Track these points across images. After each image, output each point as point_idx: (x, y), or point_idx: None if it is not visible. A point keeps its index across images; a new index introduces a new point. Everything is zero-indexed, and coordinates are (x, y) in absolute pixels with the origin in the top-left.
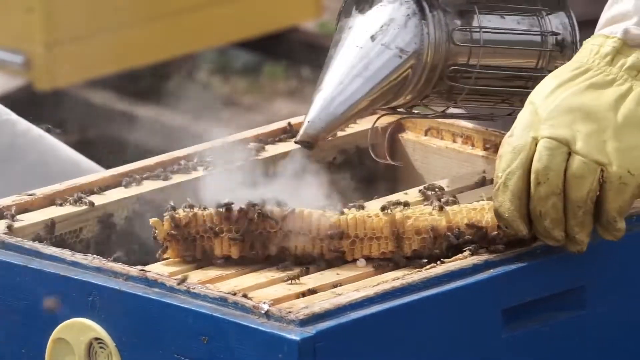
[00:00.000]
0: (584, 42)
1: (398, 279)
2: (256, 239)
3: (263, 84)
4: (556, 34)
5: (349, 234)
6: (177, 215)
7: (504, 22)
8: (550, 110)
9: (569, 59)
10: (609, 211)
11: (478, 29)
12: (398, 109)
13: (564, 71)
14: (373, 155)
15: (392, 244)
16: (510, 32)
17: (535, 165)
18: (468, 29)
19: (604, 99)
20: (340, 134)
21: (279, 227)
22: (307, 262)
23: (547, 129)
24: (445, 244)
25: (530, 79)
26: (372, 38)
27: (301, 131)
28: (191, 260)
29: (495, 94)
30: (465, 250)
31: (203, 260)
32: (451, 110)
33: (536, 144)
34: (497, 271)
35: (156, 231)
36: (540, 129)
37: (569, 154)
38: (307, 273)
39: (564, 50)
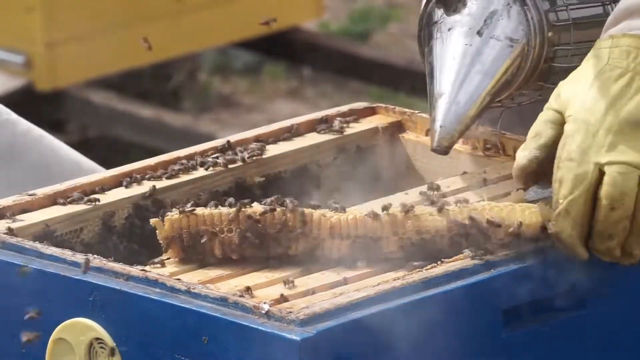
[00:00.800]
0: (613, 40)
1: (398, 279)
2: (258, 240)
3: (264, 83)
4: (616, 2)
5: (349, 234)
6: (177, 216)
7: None
8: (614, 133)
9: None
10: None
11: (565, 7)
12: (502, 101)
13: (607, 82)
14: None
15: (394, 244)
16: (586, 6)
17: (608, 190)
18: (557, 9)
19: None
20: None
21: (280, 227)
22: (307, 263)
23: (617, 154)
24: (447, 243)
25: None
26: (479, 33)
27: (436, 137)
28: (192, 261)
29: None
30: (465, 251)
31: (204, 260)
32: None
33: (599, 170)
34: (497, 271)
35: (157, 231)
36: (605, 154)
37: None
38: (307, 273)
39: None
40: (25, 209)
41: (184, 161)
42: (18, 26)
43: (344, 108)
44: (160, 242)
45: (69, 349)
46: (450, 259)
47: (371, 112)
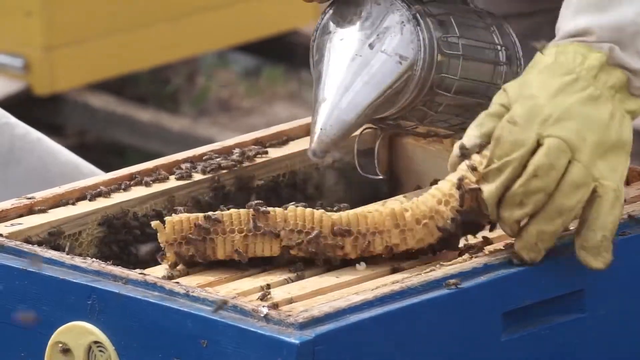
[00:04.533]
0: (558, 48)
1: (397, 282)
2: (259, 240)
3: (262, 87)
4: (508, 48)
5: (352, 230)
6: (179, 218)
7: (472, 35)
8: (560, 111)
9: (516, 74)
10: (605, 226)
11: (457, 39)
12: (386, 121)
13: (555, 73)
14: (359, 169)
15: (396, 236)
16: (481, 46)
17: (540, 159)
18: (450, 39)
19: (602, 114)
20: None
21: (282, 227)
22: (308, 262)
23: (559, 129)
24: (445, 227)
25: (486, 94)
26: (370, 46)
27: (314, 140)
28: (193, 264)
29: (467, 107)
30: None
31: (204, 264)
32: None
33: (538, 141)
34: (496, 274)
35: (158, 234)
36: (548, 127)
37: (570, 162)
38: (302, 277)
39: (511, 65)
40: (23, 212)
41: (183, 165)
42: (17, 30)
43: None
44: (161, 244)
45: (68, 352)
46: (450, 262)
47: None
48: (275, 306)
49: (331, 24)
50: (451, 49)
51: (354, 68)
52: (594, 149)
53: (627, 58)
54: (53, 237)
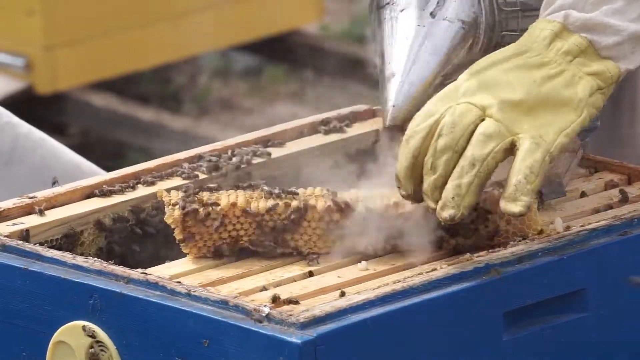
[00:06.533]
0: (529, 26)
1: (399, 281)
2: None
3: (264, 86)
4: None
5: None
6: (199, 198)
7: None
8: (478, 83)
9: None
10: (520, 170)
11: None
12: None
13: (503, 52)
14: None
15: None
16: None
17: (443, 120)
18: None
19: (530, 77)
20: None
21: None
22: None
23: (470, 98)
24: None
25: None
26: (432, 14)
27: (389, 116)
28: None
29: None
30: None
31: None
32: None
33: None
34: (497, 274)
35: (166, 204)
36: (461, 98)
37: (482, 120)
38: (310, 275)
39: None
40: (25, 211)
41: (184, 164)
42: (18, 29)
43: (345, 110)
44: (171, 225)
45: (69, 351)
46: (452, 262)
47: (372, 114)
48: (287, 301)
49: None
50: (509, 6)
51: (418, 39)
52: (512, 107)
53: (584, 19)
54: (56, 238)
